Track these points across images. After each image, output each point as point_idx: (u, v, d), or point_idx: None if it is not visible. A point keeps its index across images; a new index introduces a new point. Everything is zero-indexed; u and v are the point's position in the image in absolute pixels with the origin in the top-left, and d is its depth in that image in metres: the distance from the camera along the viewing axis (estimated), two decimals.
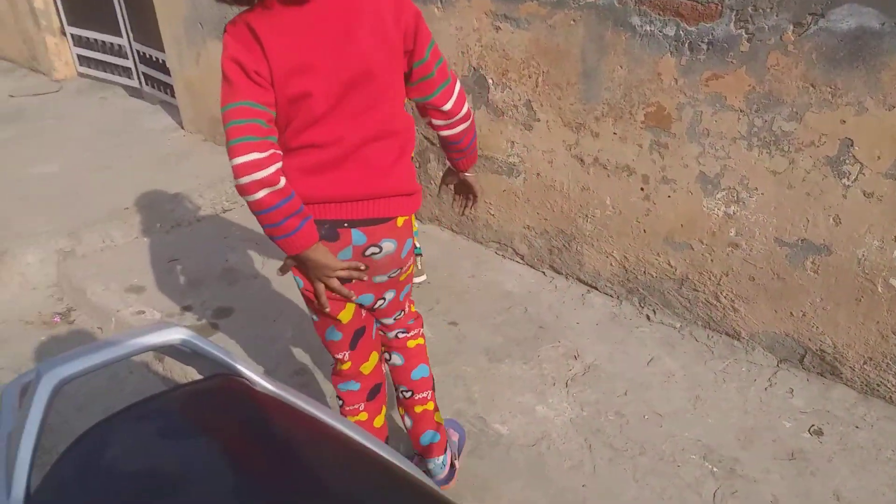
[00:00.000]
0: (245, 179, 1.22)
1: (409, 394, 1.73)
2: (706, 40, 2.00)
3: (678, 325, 2.42)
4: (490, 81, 2.55)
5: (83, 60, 5.21)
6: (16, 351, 2.67)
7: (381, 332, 1.69)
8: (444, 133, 1.47)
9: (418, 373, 1.72)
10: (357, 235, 1.38)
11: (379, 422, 1.72)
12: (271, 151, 1.24)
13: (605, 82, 2.26)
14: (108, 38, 4.84)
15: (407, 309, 1.67)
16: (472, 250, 2.93)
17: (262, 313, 2.61)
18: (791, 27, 1.84)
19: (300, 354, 2.36)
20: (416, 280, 2.69)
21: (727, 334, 2.34)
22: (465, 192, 1.68)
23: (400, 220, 1.42)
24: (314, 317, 1.55)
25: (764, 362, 2.26)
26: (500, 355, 2.32)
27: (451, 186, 1.69)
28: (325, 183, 1.33)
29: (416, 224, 2.27)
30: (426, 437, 1.75)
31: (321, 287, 1.38)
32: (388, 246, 1.42)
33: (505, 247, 2.84)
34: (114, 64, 4.94)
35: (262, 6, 1.24)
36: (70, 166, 3.88)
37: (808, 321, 2.13)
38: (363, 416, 1.68)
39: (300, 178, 1.31)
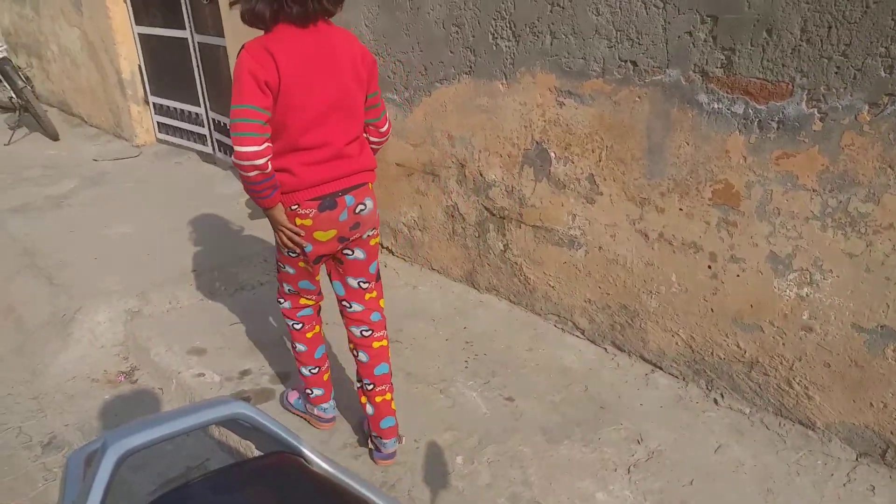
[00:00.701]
0: (245, 162, 1.70)
1: (371, 386, 2.10)
2: (776, 119, 1.96)
3: (748, 411, 2.30)
4: (552, 155, 2.56)
5: (162, 127, 5.52)
6: (82, 407, 2.74)
7: (349, 328, 2.14)
8: (373, 141, 2.04)
9: (380, 370, 2.10)
10: (349, 199, 1.91)
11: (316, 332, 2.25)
12: (266, 145, 1.72)
13: (670, 158, 2.24)
14: (186, 107, 5.12)
15: (371, 287, 2.11)
16: (530, 322, 2.89)
17: None
18: (866, 107, 1.79)
19: (352, 427, 2.34)
20: None
21: (801, 423, 2.20)
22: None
23: (370, 185, 1.99)
24: (291, 269, 2.07)
25: (842, 455, 2.11)
26: (558, 436, 2.24)
27: None
28: (324, 171, 1.85)
29: None
30: (385, 422, 2.10)
31: (283, 237, 1.93)
32: (369, 203, 1.97)
33: (564, 320, 2.79)
34: (190, 131, 5.21)
35: (275, 33, 1.72)
36: (144, 228, 4.05)
37: (889, 413, 1.99)
38: (317, 329, 2.25)
39: (306, 168, 1.83)
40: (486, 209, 2.90)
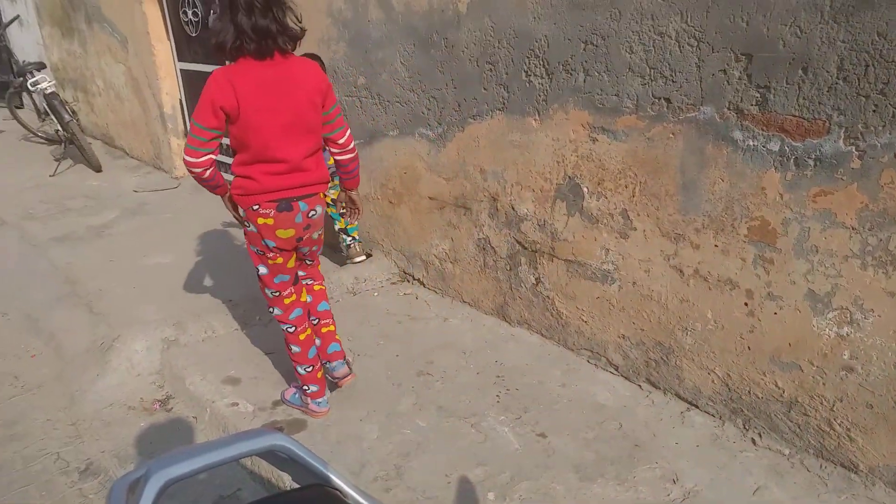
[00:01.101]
0: (188, 167, 2.17)
1: (316, 321, 2.60)
2: (813, 156, 1.95)
3: (787, 452, 2.25)
4: (585, 190, 2.57)
5: None
6: (118, 434, 2.78)
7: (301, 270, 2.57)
8: (337, 158, 2.38)
9: (322, 307, 2.61)
10: (303, 205, 2.27)
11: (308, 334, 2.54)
12: (205, 157, 2.16)
13: (705, 195, 2.23)
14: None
15: (315, 263, 2.60)
16: (563, 357, 2.87)
17: (349, 411, 2.62)
18: None
19: (384, 457, 2.34)
20: (357, 260, 3.73)
21: (843, 466, 2.14)
22: (351, 205, 2.60)
23: (321, 195, 2.36)
24: (265, 269, 2.40)
25: (886, 500, 2.04)
26: (592, 474, 2.21)
27: (343, 203, 2.60)
28: (283, 181, 2.21)
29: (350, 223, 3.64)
30: (331, 347, 2.59)
31: (230, 209, 2.44)
32: (319, 209, 2.35)
33: (598, 355, 2.77)
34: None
35: (238, 65, 2.09)
36: (182, 258, 4.14)
37: None
38: (308, 332, 2.52)
39: (268, 177, 2.20)
40: (518, 242, 2.91)
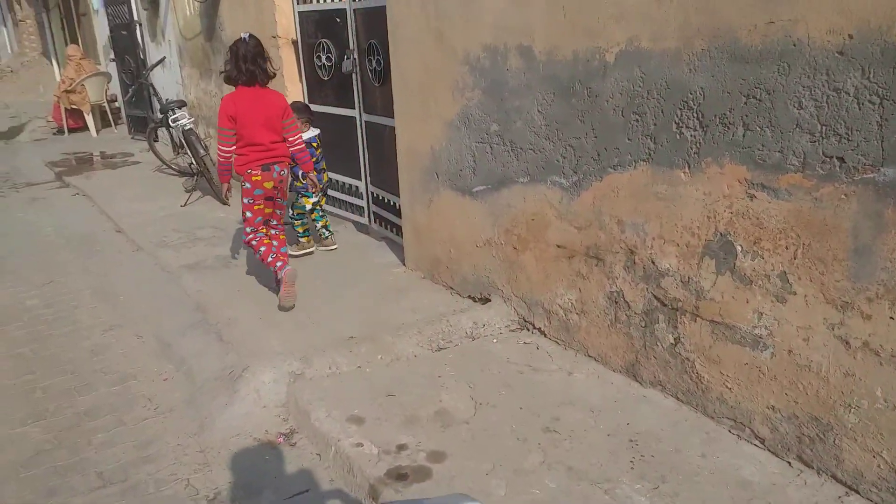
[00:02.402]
0: (222, 157, 3.94)
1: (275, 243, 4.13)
2: None
3: None
4: (739, 248, 2.43)
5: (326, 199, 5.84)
6: (244, 466, 2.83)
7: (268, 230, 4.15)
8: (291, 150, 4.05)
9: (283, 249, 4.13)
10: (276, 167, 3.94)
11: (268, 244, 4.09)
12: (232, 147, 3.87)
13: (881, 262, 2.05)
14: (347, 180, 5.41)
15: (280, 216, 4.19)
16: (701, 424, 2.70)
17: (475, 464, 2.55)
18: None
19: None
20: (332, 247, 5.00)
21: None
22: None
23: (285, 162, 4.02)
24: (251, 214, 4.01)
25: None
26: None
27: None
28: (263, 156, 3.89)
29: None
30: (284, 269, 3.98)
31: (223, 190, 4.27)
32: (285, 171, 4.03)
33: (741, 426, 2.58)
34: (348, 202, 5.48)
35: (237, 90, 3.84)
36: (303, 292, 4.24)
37: None
38: (267, 241, 4.06)
39: (254, 154, 3.86)
40: (657, 298, 2.78)
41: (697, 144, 2.49)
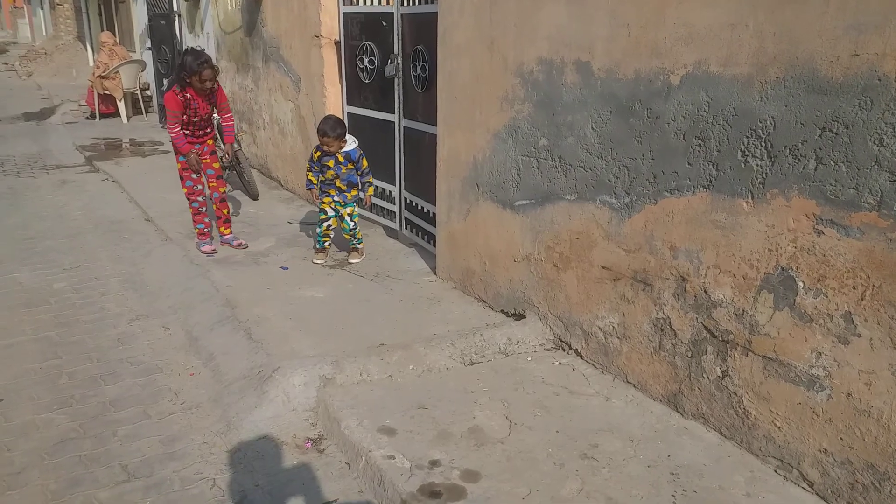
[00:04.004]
0: (173, 136, 4.65)
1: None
2: None
3: None
4: (801, 284, 2.35)
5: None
6: (271, 469, 2.77)
7: (210, 184, 5.03)
8: (223, 123, 5.08)
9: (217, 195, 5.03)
10: (202, 147, 4.88)
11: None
12: (180, 128, 4.68)
13: None
14: (380, 184, 5.36)
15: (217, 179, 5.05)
16: (745, 462, 2.61)
17: (510, 487, 2.47)
18: None
19: None
20: (353, 261, 4.80)
21: None
22: (232, 154, 5.82)
23: (210, 142, 4.92)
24: (185, 188, 4.91)
25: None
26: None
27: (227, 154, 5.49)
28: (192, 138, 4.78)
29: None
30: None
31: (189, 162, 4.74)
32: (214, 147, 5.00)
33: (789, 467, 2.49)
34: (380, 206, 5.43)
35: (185, 87, 4.60)
36: (334, 294, 4.20)
37: None
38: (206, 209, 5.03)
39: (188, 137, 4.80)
40: (706, 329, 2.70)
41: (763, 175, 2.42)
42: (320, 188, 4.68)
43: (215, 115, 4.93)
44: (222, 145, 5.63)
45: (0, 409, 3.17)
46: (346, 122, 5.68)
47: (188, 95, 4.57)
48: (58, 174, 7.78)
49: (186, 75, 4.47)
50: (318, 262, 4.74)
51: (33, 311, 4.21)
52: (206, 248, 4.95)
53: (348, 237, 4.80)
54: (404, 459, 2.62)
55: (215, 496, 2.63)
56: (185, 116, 4.61)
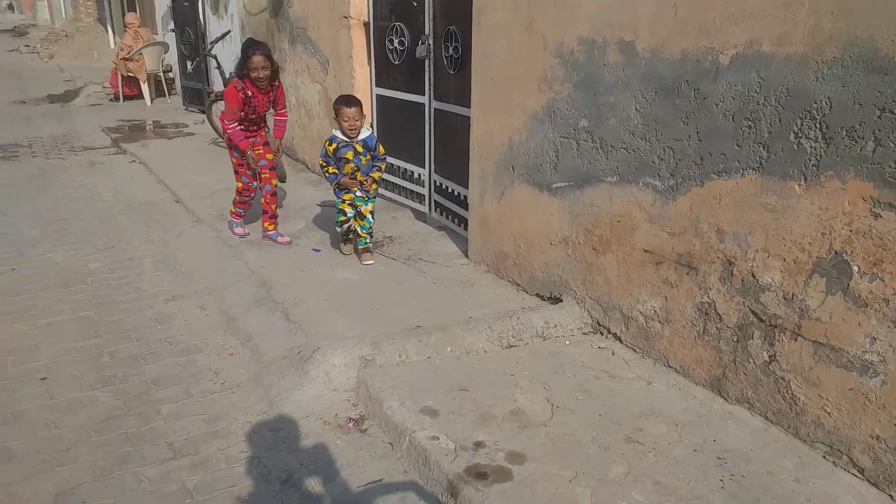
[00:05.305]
0: (230, 133, 4.48)
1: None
2: None
3: None
4: (855, 269, 2.32)
5: (381, 183, 5.78)
6: (315, 449, 2.79)
7: (263, 175, 4.76)
8: (276, 117, 4.79)
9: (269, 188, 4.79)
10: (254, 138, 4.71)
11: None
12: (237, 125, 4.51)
13: None
14: (409, 167, 5.35)
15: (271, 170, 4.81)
16: (793, 447, 2.59)
17: (556, 469, 2.48)
18: None
19: None
20: (367, 262, 4.43)
21: None
22: (275, 146, 4.86)
23: (263, 133, 4.79)
24: (240, 183, 4.79)
25: None
26: None
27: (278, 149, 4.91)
28: (246, 132, 4.59)
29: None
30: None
31: (249, 160, 4.63)
32: (266, 138, 4.81)
33: (838, 453, 2.47)
34: (409, 189, 5.42)
35: (244, 79, 4.42)
36: (367, 277, 4.20)
37: None
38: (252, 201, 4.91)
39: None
40: (753, 313, 2.68)
41: (818, 157, 2.37)
42: (337, 185, 4.32)
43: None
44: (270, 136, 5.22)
45: (45, 387, 3.22)
46: (374, 103, 5.68)
47: (249, 93, 4.40)
48: (86, 156, 7.83)
49: (246, 66, 4.32)
50: (348, 252, 4.54)
51: (71, 291, 4.26)
52: (239, 230, 4.92)
53: (363, 236, 4.38)
54: (448, 440, 2.63)
55: (261, 474, 2.66)
56: (242, 113, 4.45)
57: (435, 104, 4.92)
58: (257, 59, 4.30)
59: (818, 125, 2.36)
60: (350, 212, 4.34)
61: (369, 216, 4.38)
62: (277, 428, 2.92)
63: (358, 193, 4.32)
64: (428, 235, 5.00)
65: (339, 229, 4.51)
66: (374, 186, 4.38)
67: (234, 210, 4.93)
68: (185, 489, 2.57)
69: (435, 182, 5.11)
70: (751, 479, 2.42)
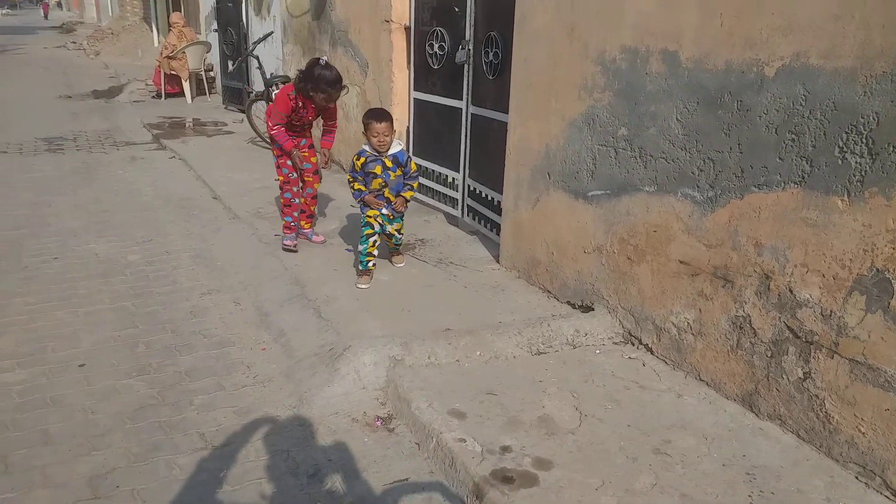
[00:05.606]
0: (275, 136, 4.49)
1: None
2: None
3: None
4: None
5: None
6: (343, 446, 2.82)
7: (305, 178, 4.77)
8: (324, 127, 4.74)
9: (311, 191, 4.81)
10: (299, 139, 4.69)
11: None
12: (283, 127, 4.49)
13: None
14: (444, 171, 5.38)
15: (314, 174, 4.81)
16: (824, 466, 2.54)
17: (582, 477, 2.46)
18: None
19: None
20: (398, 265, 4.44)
21: None
22: (325, 157, 4.76)
23: (309, 136, 4.80)
24: (281, 176, 4.67)
25: None
26: None
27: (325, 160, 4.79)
28: (291, 133, 4.58)
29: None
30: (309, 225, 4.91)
31: (295, 160, 4.61)
32: (312, 141, 4.81)
33: (871, 474, 2.42)
34: (442, 193, 5.45)
35: (296, 94, 4.37)
36: (398, 278, 4.23)
37: None
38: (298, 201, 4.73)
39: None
40: (789, 329, 2.64)
41: (862, 172, 2.34)
42: (362, 201, 4.09)
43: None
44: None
45: (83, 374, 3.30)
46: (412, 107, 5.73)
47: (300, 103, 4.37)
48: (127, 150, 8.03)
49: (312, 88, 4.20)
50: (363, 286, 4.05)
51: (110, 282, 4.36)
52: (289, 242, 4.63)
53: (391, 244, 4.35)
54: (475, 443, 2.64)
55: (289, 468, 2.69)
56: (288, 119, 4.43)
57: (472, 109, 4.94)
58: (336, 95, 4.39)
59: (864, 140, 2.33)
60: (377, 226, 4.10)
61: (397, 234, 4.25)
62: (307, 423, 2.95)
63: (384, 211, 4.11)
64: (460, 239, 5.02)
65: (361, 248, 4.08)
66: (405, 206, 4.16)
67: (283, 220, 4.69)
68: (216, 479, 2.62)
69: (469, 186, 5.13)
70: (780, 497, 2.38)
